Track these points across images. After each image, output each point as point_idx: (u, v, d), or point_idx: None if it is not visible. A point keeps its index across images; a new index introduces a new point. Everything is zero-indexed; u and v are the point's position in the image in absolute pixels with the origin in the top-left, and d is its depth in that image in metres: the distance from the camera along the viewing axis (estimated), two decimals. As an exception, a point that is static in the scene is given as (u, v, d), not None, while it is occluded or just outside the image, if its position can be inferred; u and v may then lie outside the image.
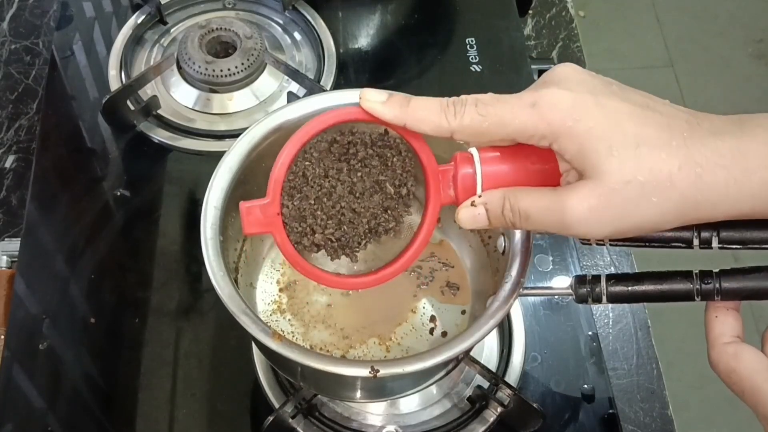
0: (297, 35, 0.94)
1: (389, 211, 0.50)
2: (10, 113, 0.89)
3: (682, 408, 1.54)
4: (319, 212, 0.49)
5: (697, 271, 0.46)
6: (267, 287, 0.63)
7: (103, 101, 0.81)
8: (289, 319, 0.61)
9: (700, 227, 0.46)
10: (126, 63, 0.89)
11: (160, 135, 0.84)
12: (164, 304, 0.74)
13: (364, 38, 0.95)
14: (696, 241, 0.46)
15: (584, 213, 0.41)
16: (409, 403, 0.69)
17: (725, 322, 0.46)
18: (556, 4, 1.04)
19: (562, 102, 0.41)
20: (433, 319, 0.62)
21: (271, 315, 0.61)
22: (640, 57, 2.11)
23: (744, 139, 0.40)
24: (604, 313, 0.79)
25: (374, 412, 0.69)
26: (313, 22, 0.93)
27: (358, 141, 0.50)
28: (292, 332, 0.60)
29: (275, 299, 0.62)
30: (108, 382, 0.71)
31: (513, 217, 0.45)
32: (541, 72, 0.91)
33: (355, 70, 0.91)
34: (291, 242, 0.49)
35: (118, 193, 0.81)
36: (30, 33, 0.96)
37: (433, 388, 0.70)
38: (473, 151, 0.47)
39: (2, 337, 0.72)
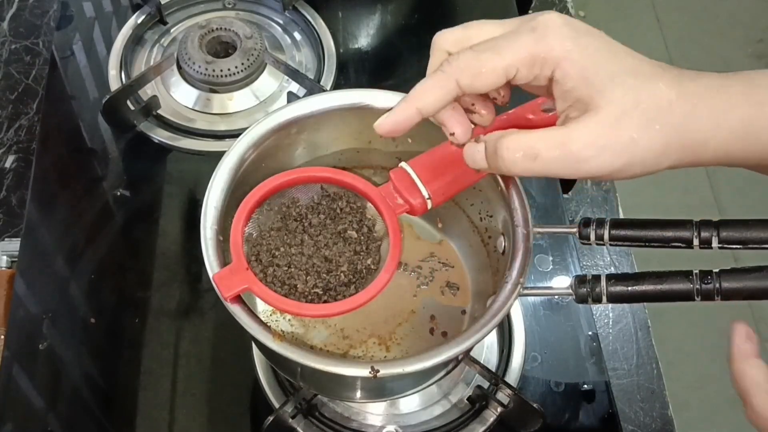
0: (297, 35, 0.94)
1: (361, 253, 0.53)
2: (10, 113, 0.89)
3: (682, 408, 1.54)
4: (294, 270, 0.51)
5: (697, 271, 0.45)
6: (267, 287, 0.63)
7: (103, 101, 0.81)
8: (288, 320, 0.61)
9: (700, 227, 0.46)
10: (126, 63, 0.89)
11: (160, 135, 0.84)
12: (164, 304, 0.74)
13: (364, 38, 0.95)
14: (696, 241, 0.46)
15: (595, 143, 0.41)
16: (409, 403, 0.69)
17: (759, 366, 0.43)
18: (556, 4, 1.04)
19: (561, 26, 0.42)
20: (432, 319, 0.62)
21: (270, 315, 0.60)
22: (640, 57, 2.11)
23: (727, 79, 0.43)
24: (604, 313, 0.79)
25: (374, 412, 0.69)
26: (313, 22, 0.93)
27: (305, 212, 0.54)
28: (292, 332, 0.60)
29: None
30: (108, 382, 0.71)
31: (515, 157, 0.42)
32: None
33: (355, 70, 0.91)
34: (270, 289, 0.50)
35: (118, 193, 0.81)
36: (30, 33, 0.96)
37: (433, 388, 0.70)
38: (402, 163, 0.51)
39: (2, 337, 0.72)
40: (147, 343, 0.72)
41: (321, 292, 0.51)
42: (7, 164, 0.86)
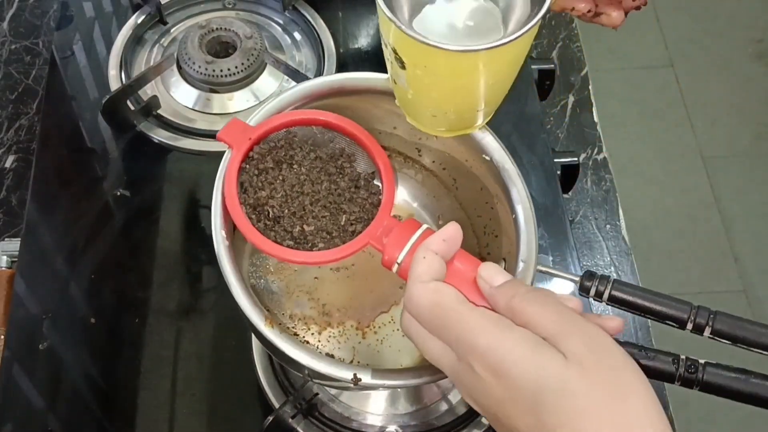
0: (297, 35, 0.94)
1: (360, 199, 0.54)
2: (10, 113, 0.89)
3: (682, 408, 1.54)
4: (286, 210, 0.52)
5: (683, 357, 0.45)
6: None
7: (103, 101, 0.81)
8: (273, 281, 0.60)
9: (697, 312, 0.46)
10: (126, 63, 0.89)
11: (160, 135, 0.84)
12: (164, 304, 0.74)
13: (364, 38, 0.95)
14: (690, 326, 0.47)
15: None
16: (409, 404, 0.69)
17: (431, 265, 0.45)
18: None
19: None
20: None
21: (255, 272, 0.60)
22: (640, 57, 2.10)
23: None
24: (605, 313, 0.79)
25: (374, 412, 0.69)
26: (313, 22, 0.93)
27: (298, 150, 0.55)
28: (275, 294, 0.60)
29: (264, 259, 0.62)
30: (108, 382, 0.71)
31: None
32: (541, 72, 0.91)
33: (355, 70, 0.91)
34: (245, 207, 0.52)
35: (118, 193, 0.81)
36: (30, 33, 0.96)
37: (434, 388, 0.70)
38: (425, 226, 0.49)
39: (2, 337, 0.72)
40: (147, 343, 0.72)
41: (327, 235, 0.52)
42: (7, 164, 0.86)
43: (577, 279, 0.50)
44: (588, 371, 0.38)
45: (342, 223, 0.53)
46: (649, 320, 0.78)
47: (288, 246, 0.51)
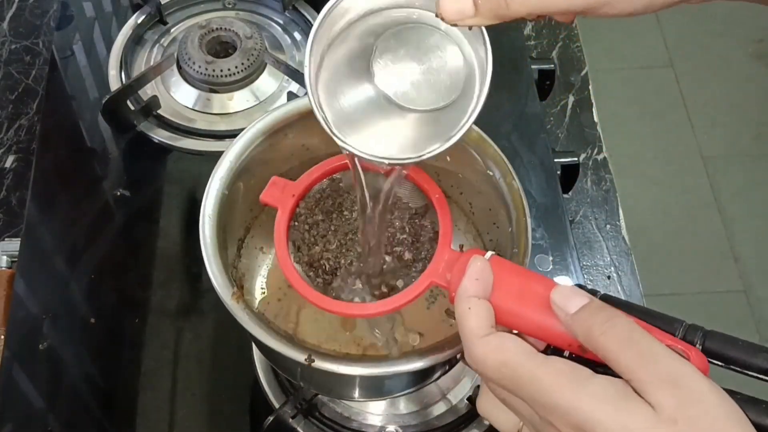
0: (297, 35, 0.94)
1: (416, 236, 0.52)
2: (10, 113, 0.89)
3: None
4: (342, 261, 0.51)
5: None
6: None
7: (103, 101, 0.82)
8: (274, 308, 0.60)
9: (687, 330, 0.43)
10: (126, 63, 0.89)
11: (160, 135, 0.84)
12: (164, 304, 0.74)
13: (364, 38, 0.95)
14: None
15: None
16: (409, 403, 0.69)
17: (479, 314, 0.42)
18: (556, 4, 1.03)
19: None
20: (421, 336, 0.60)
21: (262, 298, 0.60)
22: (640, 57, 2.11)
23: None
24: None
25: (374, 412, 0.69)
26: (313, 22, 0.93)
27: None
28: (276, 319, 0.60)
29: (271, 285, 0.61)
30: (108, 382, 0.71)
31: None
32: (541, 72, 0.91)
33: (355, 70, 0.91)
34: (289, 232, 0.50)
35: (118, 193, 0.81)
36: (30, 33, 0.96)
37: (433, 388, 0.70)
38: (490, 253, 0.45)
39: (2, 337, 0.72)
40: (147, 343, 0.72)
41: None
42: (7, 164, 0.86)
43: None
44: (680, 430, 0.35)
45: (402, 265, 0.51)
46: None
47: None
